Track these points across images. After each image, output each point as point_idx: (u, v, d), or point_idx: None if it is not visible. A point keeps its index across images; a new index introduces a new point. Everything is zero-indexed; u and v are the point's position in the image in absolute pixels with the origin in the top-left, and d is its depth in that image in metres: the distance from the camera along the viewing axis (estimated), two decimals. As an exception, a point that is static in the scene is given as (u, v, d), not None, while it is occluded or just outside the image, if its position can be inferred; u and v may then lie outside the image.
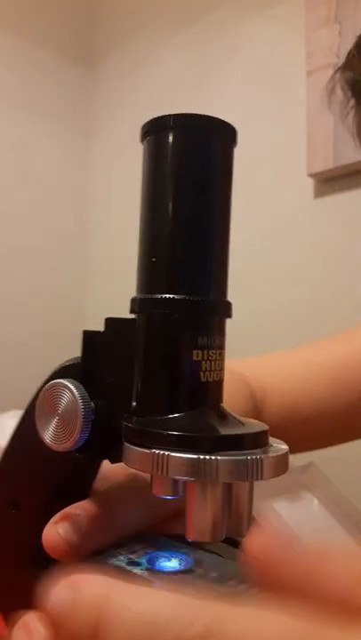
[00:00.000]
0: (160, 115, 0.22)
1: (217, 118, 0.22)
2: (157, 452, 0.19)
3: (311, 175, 1.13)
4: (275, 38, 1.27)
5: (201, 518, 0.19)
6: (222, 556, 0.24)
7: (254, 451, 0.19)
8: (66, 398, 0.22)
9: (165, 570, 0.22)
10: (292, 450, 0.53)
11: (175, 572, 0.22)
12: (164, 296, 0.20)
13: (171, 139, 0.21)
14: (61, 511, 0.24)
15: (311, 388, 0.47)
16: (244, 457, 0.18)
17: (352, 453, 0.92)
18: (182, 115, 0.21)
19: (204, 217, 0.21)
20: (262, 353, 0.51)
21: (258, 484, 0.22)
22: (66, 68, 1.73)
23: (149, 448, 0.19)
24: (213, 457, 0.18)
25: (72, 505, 0.24)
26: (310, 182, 1.17)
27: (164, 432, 0.19)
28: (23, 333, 1.59)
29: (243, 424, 0.21)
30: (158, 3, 1.58)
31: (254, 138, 1.29)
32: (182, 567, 0.22)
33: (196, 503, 0.19)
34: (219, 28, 1.40)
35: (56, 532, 0.23)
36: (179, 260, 0.20)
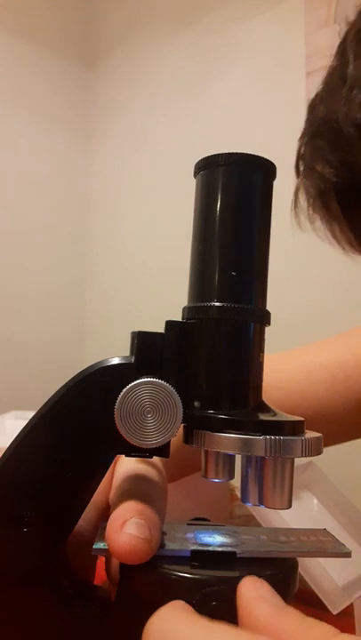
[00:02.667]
0: (210, 152, 0.26)
1: (260, 156, 0.25)
2: (271, 437, 0.22)
3: (311, 175, 1.13)
4: (275, 39, 1.27)
5: (287, 488, 0.23)
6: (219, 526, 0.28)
7: (308, 433, 0.24)
8: (158, 395, 0.23)
9: (221, 544, 0.25)
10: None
11: (231, 545, 0.24)
12: (236, 305, 0.24)
13: (222, 174, 0.24)
14: (116, 516, 0.23)
15: (309, 390, 0.47)
16: (312, 437, 0.23)
17: (352, 453, 0.92)
18: (231, 153, 0.24)
19: (261, 240, 0.25)
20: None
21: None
22: (66, 69, 1.73)
23: (248, 434, 0.22)
24: (297, 437, 0.23)
25: (120, 508, 0.24)
26: (310, 183, 1.17)
27: (265, 420, 0.23)
28: (23, 336, 1.59)
29: (285, 414, 0.25)
30: (158, 3, 1.58)
31: (254, 138, 1.30)
32: (232, 540, 0.25)
33: (283, 477, 0.23)
34: (219, 29, 1.40)
35: (131, 535, 0.22)
36: (254, 274, 0.25)
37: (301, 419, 0.24)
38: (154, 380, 0.23)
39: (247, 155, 0.25)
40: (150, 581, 0.23)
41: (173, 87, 1.51)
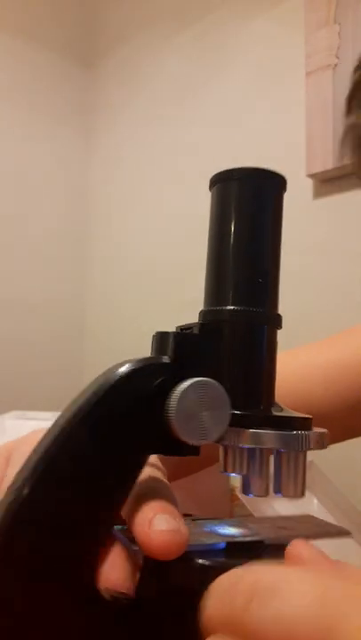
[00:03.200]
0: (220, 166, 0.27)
1: (272, 171, 0.26)
2: (301, 432, 0.24)
3: (311, 176, 1.13)
4: (274, 39, 1.27)
5: (300, 478, 0.25)
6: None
7: (317, 429, 0.25)
8: (213, 394, 0.24)
9: (243, 534, 0.26)
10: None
11: (250, 535, 0.26)
12: (260, 310, 0.26)
13: (236, 187, 0.26)
14: (142, 516, 0.23)
15: (308, 389, 0.47)
16: (319, 432, 0.25)
17: (352, 453, 0.92)
18: (244, 168, 0.26)
19: (273, 249, 0.27)
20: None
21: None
22: (66, 69, 1.73)
23: (288, 430, 0.24)
24: (313, 431, 0.25)
25: (143, 508, 0.24)
26: (310, 183, 1.17)
27: (296, 417, 0.25)
28: (23, 335, 1.59)
29: (294, 411, 0.26)
30: (158, 3, 1.58)
31: (254, 138, 1.30)
32: (245, 530, 0.26)
33: (300, 468, 0.25)
34: (219, 29, 1.40)
35: (162, 531, 0.23)
36: (275, 281, 0.27)
37: (310, 416, 0.26)
38: (206, 379, 0.24)
39: (260, 169, 0.26)
40: (202, 573, 0.23)
41: (173, 87, 1.51)
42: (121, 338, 1.56)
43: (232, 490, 0.69)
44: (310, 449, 0.25)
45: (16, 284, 1.59)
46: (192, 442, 0.23)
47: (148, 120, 1.58)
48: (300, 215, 1.19)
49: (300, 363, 0.50)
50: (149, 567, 0.24)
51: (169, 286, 1.42)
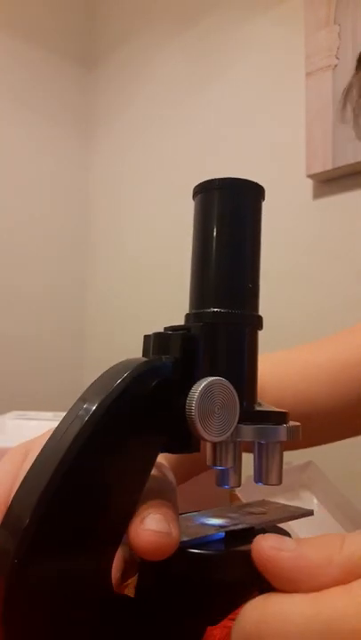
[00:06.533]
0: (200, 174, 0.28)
1: (250, 181, 0.28)
2: (293, 423, 0.27)
3: (310, 176, 1.14)
4: (274, 40, 1.27)
5: (278, 467, 0.27)
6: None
7: (292, 422, 0.27)
8: (225, 394, 0.25)
9: (227, 524, 0.27)
10: (288, 447, 0.53)
11: (233, 524, 0.27)
12: (253, 313, 0.27)
13: (217, 196, 0.28)
14: (140, 510, 0.23)
15: (308, 388, 0.47)
16: (293, 425, 0.27)
17: (351, 452, 0.92)
18: (224, 178, 0.27)
19: (252, 253, 0.28)
20: (261, 353, 0.51)
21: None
22: (66, 69, 1.73)
23: (265, 424, 0.26)
24: (289, 425, 0.27)
25: (142, 504, 0.24)
26: (309, 183, 1.17)
27: (273, 412, 0.27)
28: (24, 336, 1.59)
29: (272, 407, 0.28)
30: (159, 4, 1.58)
31: (254, 139, 1.30)
32: (228, 519, 0.28)
33: (277, 458, 0.27)
34: (219, 30, 1.40)
35: (152, 531, 0.22)
36: (255, 284, 0.28)
37: (286, 411, 0.27)
38: (220, 378, 0.25)
39: (239, 179, 0.27)
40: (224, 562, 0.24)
41: (173, 88, 1.51)
42: (121, 338, 1.56)
43: (232, 490, 0.69)
44: (285, 440, 0.26)
45: (17, 284, 1.59)
46: (210, 439, 0.24)
47: (148, 121, 1.58)
48: (300, 215, 1.19)
49: (303, 361, 0.50)
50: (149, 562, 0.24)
51: (169, 286, 1.42)
